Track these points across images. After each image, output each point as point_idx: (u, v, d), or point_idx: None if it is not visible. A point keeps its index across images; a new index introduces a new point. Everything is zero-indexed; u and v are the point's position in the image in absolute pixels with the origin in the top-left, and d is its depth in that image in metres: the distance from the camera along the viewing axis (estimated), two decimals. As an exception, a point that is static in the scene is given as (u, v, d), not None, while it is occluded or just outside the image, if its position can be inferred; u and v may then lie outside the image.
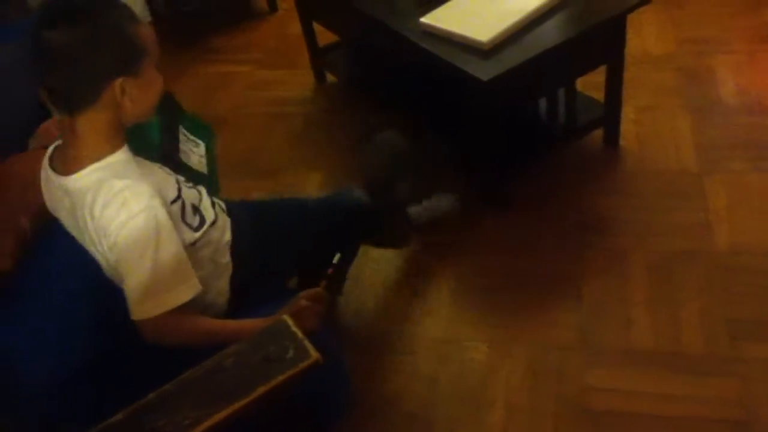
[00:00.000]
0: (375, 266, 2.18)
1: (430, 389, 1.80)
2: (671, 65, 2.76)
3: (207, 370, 1.09)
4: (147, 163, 1.36)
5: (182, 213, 1.36)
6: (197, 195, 1.46)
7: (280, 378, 1.05)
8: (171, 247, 1.26)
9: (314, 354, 1.07)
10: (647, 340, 1.81)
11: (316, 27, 2.92)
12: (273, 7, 3.81)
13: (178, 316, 1.28)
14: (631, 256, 2.03)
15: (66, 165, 1.28)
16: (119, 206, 1.21)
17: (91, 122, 1.23)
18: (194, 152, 1.72)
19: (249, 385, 1.04)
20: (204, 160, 1.75)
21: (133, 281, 1.24)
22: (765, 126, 2.38)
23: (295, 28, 3.07)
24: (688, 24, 2.98)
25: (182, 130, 1.69)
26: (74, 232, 1.36)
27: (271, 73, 3.29)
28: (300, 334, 1.10)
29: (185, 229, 1.35)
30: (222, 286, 1.50)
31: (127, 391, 1.09)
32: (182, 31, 3.67)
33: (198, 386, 1.07)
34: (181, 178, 1.44)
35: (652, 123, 2.49)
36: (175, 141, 1.64)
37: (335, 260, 1.53)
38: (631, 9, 2.03)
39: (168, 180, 1.37)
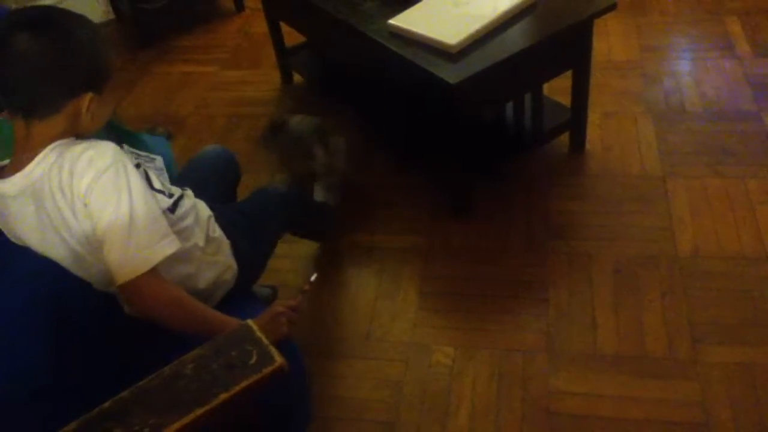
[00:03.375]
0: (341, 271, 2.16)
1: (396, 395, 1.79)
2: (635, 71, 2.79)
3: (166, 376, 1.05)
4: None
5: (147, 180, 1.34)
6: (157, 173, 1.46)
7: (243, 384, 1.02)
8: (145, 200, 1.24)
9: (279, 359, 1.04)
10: (612, 343, 1.82)
11: (283, 27, 2.89)
12: (239, 6, 3.76)
13: (163, 281, 1.26)
14: (596, 260, 2.05)
15: (17, 166, 1.24)
16: (86, 165, 1.19)
17: (48, 130, 1.23)
18: (152, 168, 1.72)
19: (210, 391, 1.01)
20: (165, 172, 1.75)
21: (112, 240, 1.20)
22: (726, 132, 2.42)
23: (261, 27, 3.04)
24: (652, 31, 3.02)
25: (127, 149, 1.69)
26: (38, 237, 1.29)
27: (236, 73, 3.24)
28: (264, 340, 1.07)
29: (156, 194, 1.33)
30: (226, 260, 1.51)
31: (84, 406, 1.04)
32: (146, 29, 3.61)
33: (157, 393, 1.03)
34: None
35: (617, 128, 2.52)
36: None
37: (312, 278, 1.55)
38: (598, 15, 2.05)
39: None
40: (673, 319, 1.85)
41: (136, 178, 1.24)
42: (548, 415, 1.69)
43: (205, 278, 1.46)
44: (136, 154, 1.72)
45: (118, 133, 1.69)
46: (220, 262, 1.50)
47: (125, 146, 1.70)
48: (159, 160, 1.76)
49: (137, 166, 1.32)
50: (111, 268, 1.22)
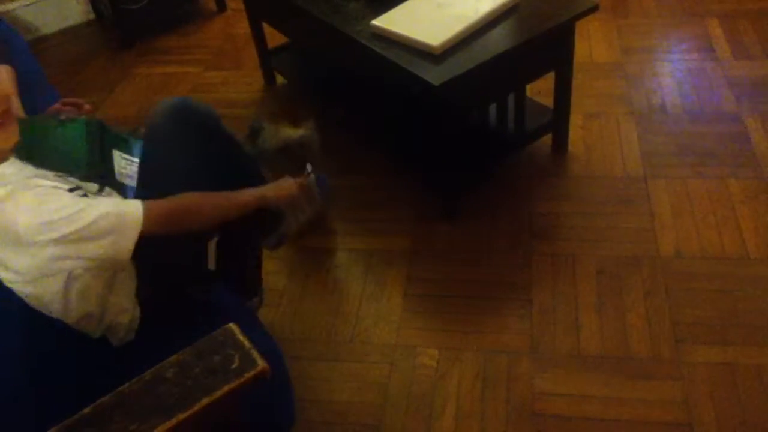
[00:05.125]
0: (325, 272, 2.15)
1: (380, 397, 1.78)
2: (617, 73, 2.81)
3: (147, 381, 1.04)
4: (35, 179, 1.32)
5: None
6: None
7: (225, 388, 1.01)
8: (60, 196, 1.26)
9: (261, 363, 1.03)
10: (595, 344, 1.83)
11: (266, 28, 2.87)
12: (221, 6, 3.74)
13: (156, 204, 1.31)
14: (579, 261, 2.05)
15: None
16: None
17: None
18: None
19: (192, 396, 1.00)
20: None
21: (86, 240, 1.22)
22: (706, 133, 2.45)
23: (244, 28, 3.02)
24: (633, 33, 3.04)
25: (119, 155, 1.67)
26: None
27: (219, 74, 3.22)
28: (247, 344, 1.06)
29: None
30: (122, 301, 1.41)
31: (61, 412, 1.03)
32: (127, 30, 3.57)
33: (137, 398, 1.02)
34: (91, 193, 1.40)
35: (599, 129, 2.53)
36: (109, 165, 1.62)
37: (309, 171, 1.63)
38: (579, 16, 2.06)
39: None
40: (656, 320, 1.86)
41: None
42: (533, 416, 1.69)
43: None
44: (129, 160, 1.70)
45: (109, 138, 1.67)
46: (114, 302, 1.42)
47: (117, 153, 1.68)
48: (136, 164, 1.75)
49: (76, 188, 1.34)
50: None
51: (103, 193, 1.44)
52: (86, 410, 1.00)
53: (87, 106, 1.69)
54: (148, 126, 1.58)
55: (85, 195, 1.34)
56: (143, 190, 1.54)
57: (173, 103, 1.58)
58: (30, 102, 1.89)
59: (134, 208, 1.28)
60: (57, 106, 1.68)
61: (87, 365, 1.36)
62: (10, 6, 3.56)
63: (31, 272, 1.23)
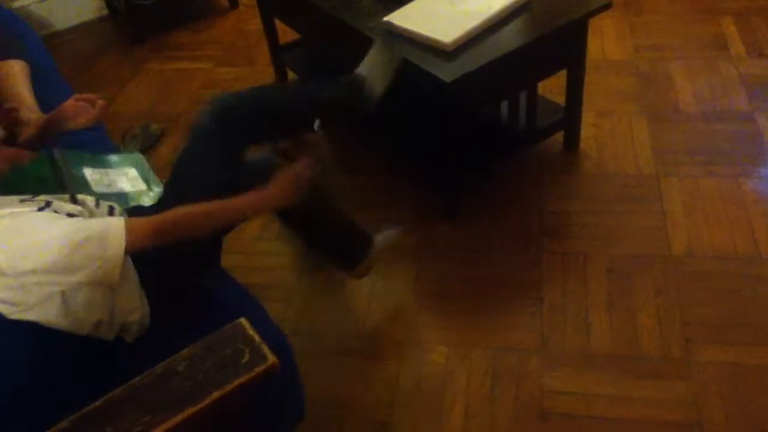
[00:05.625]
0: (335, 270, 2.15)
1: (389, 393, 1.79)
2: (630, 71, 2.80)
3: (158, 374, 1.05)
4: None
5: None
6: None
7: (235, 382, 1.02)
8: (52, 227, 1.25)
9: (271, 358, 1.04)
10: (605, 343, 1.82)
11: (278, 24, 2.88)
12: (233, 2, 3.75)
13: (140, 223, 1.29)
14: (590, 259, 2.05)
15: None
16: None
17: None
18: (123, 179, 1.77)
19: (202, 390, 1.01)
20: (140, 179, 1.78)
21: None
22: (719, 132, 2.43)
23: (256, 24, 3.03)
24: (646, 31, 3.03)
25: (90, 171, 1.70)
26: None
27: (231, 70, 3.23)
28: (257, 338, 1.07)
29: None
30: (129, 301, 1.39)
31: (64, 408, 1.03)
32: (139, 26, 3.59)
33: (148, 391, 1.03)
34: (60, 209, 1.38)
35: (611, 127, 2.52)
36: (80, 182, 1.66)
37: (315, 126, 1.59)
38: (592, 14, 2.05)
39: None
40: (666, 319, 1.85)
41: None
42: (541, 413, 1.69)
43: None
44: (104, 173, 1.72)
45: (79, 159, 1.70)
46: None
47: (88, 169, 1.70)
48: (132, 171, 1.77)
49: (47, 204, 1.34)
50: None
51: (78, 204, 1.43)
52: (97, 403, 1.01)
53: (101, 102, 1.70)
54: (191, 124, 1.63)
55: (55, 211, 1.32)
56: (171, 189, 1.58)
57: (212, 109, 1.61)
58: (42, 97, 1.91)
59: (115, 227, 1.26)
60: (70, 101, 1.70)
61: (95, 361, 1.37)
62: (24, 2, 3.58)
63: (26, 301, 1.21)
